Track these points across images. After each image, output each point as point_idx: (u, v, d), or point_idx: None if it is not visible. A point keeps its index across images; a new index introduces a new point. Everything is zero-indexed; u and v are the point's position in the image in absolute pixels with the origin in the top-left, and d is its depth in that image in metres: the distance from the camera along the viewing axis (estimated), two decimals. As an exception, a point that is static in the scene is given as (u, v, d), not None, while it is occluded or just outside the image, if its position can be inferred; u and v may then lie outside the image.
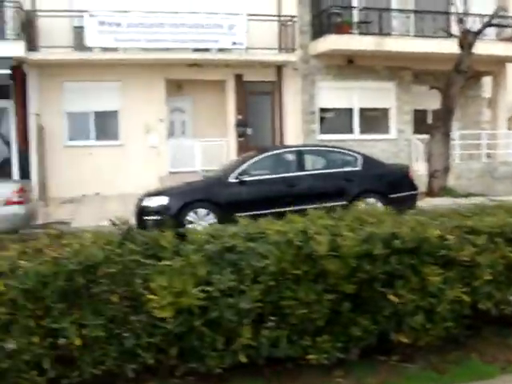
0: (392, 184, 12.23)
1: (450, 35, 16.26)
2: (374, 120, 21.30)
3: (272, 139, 20.09)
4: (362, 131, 20.81)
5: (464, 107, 22.38)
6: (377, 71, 20.52)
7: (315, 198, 11.43)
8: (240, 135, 19.45)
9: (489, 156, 21.36)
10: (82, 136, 18.33)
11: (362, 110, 20.91)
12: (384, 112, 21.28)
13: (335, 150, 12.80)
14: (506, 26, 18.66)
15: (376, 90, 20.74)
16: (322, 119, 20.51)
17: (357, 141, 19.90)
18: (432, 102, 22.20)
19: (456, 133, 19.45)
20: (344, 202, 11.60)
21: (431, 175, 16.37)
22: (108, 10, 17.34)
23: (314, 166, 12.07)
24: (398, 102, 21.12)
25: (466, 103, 22.45)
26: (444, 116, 15.96)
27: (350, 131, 20.80)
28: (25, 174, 17.33)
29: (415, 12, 20.31)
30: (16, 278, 3.27)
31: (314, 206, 11.40)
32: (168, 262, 3.52)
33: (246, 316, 3.54)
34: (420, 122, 21.96)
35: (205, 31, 17.70)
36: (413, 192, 12.54)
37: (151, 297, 3.40)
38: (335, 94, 20.36)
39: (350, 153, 12.56)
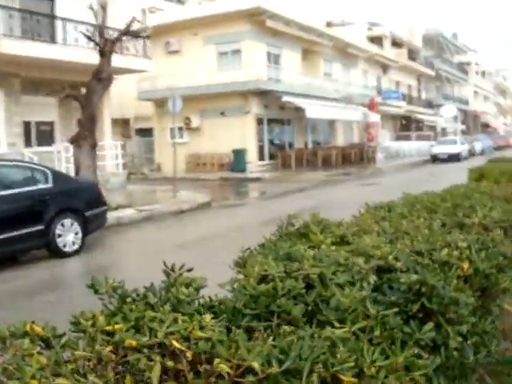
0: (87, 201, 10.83)
1: (92, 41, 15.26)
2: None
3: None
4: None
5: (67, 119, 21.54)
6: (-19, 77, 17.95)
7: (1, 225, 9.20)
8: None
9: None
10: None
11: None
12: (-8, 124, 18.76)
13: (19, 164, 10.55)
14: (139, 36, 18.52)
15: (-18, 98, 18.12)
16: None
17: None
18: (39, 113, 20.76)
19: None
20: (41, 227, 9.74)
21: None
22: None
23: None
24: (7, 112, 18.83)
25: (68, 115, 21.56)
26: (89, 127, 14.85)
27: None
28: None
29: (20, 11, 18.44)
30: None
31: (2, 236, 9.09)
32: None
33: None
34: (27, 135, 20.18)
35: None
36: (104, 208, 11.33)
37: None
38: None
39: (37, 167, 10.54)
